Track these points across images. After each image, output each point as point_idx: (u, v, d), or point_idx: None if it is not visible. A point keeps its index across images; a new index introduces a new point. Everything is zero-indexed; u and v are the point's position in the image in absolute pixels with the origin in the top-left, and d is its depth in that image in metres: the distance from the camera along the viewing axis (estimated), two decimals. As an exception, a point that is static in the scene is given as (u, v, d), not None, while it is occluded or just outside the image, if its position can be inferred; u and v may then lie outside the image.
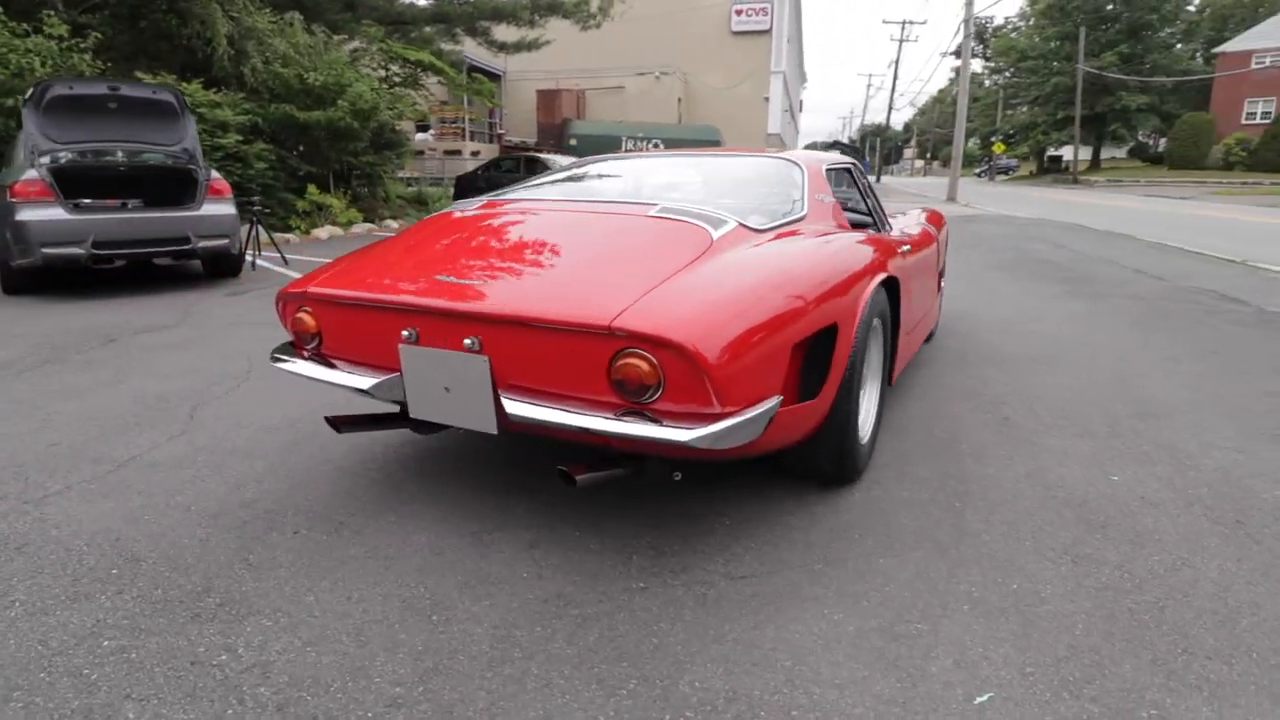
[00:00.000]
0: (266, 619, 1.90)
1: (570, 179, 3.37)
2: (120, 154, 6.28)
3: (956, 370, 4.37)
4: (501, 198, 2.96)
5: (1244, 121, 40.59)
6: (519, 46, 16.01)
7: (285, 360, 2.47)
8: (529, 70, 24.45)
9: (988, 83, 55.57)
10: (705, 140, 23.81)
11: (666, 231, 2.32)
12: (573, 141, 23.48)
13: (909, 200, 23.66)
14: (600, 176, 3.39)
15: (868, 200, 3.65)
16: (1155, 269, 8.76)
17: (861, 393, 2.64)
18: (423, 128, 22.77)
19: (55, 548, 2.23)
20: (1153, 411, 3.63)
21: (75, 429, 3.22)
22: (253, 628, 1.86)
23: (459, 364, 2.08)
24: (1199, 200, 23.33)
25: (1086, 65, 37.64)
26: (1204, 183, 33.01)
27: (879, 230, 3.48)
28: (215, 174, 6.73)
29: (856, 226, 3.11)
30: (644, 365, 1.85)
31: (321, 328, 2.39)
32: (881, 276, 2.61)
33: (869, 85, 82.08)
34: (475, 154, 22.93)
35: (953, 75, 75.56)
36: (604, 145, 22.52)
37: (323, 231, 11.21)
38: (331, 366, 2.40)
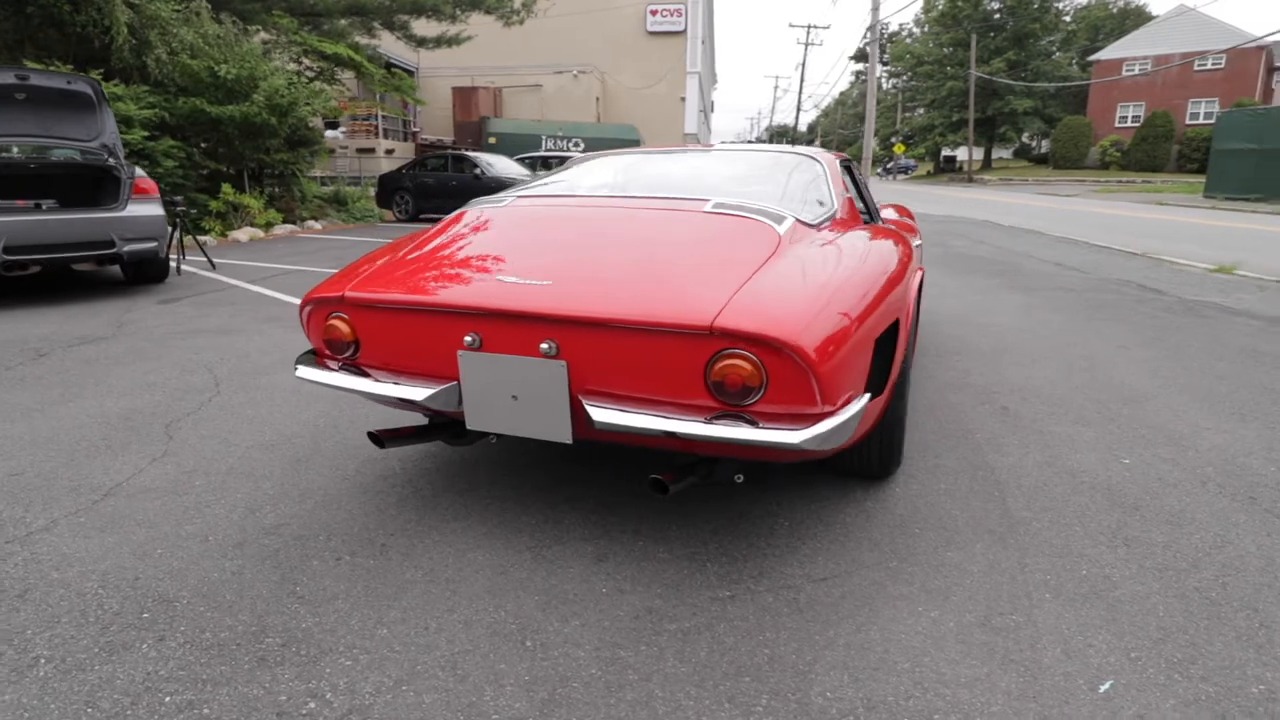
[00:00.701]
0: (344, 657, 1.72)
1: (588, 174, 3.24)
2: (30, 150, 5.66)
3: (935, 362, 4.49)
4: (530, 193, 2.81)
5: (1117, 124, 43.93)
6: (439, 42, 15.50)
7: (312, 371, 2.26)
8: (443, 67, 23.81)
9: (887, 86, 58.01)
10: (626, 139, 23.79)
11: (731, 228, 2.25)
12: (492, 140, 23.00)
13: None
14: (620, 172, 3.28)
15: (864, 194, 3.70)
16: (1071, 262, 9.32)
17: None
18: (331, 125, 21.80)
19: (64, 592, 1.96)
20: (1129, 397, 3.82)
21: (36, 454, 2.87)
22: (332, 669, 1.68)
23: (532, 370, 1.95)
24: (1084, 198, 25.04)
25: (978, 71, 39.86)
26: (1084, 181, 35.55)
27: (876, 222, 3.52)
28: (140, 172, 6.18)
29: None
30: (747, 366, 1.78)
31: (360, 335, 2.20)
32: (921, 271, 2.63)
33: (776, 87, 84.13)
34: (390, 152, 22.14)
35: (852, 78, 78.61)
36: (524, 143, 22.18)
37: (242, 234, 10.52)
38: (365, 377, 2.21)
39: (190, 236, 7.86)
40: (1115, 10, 55.02)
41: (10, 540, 2.22)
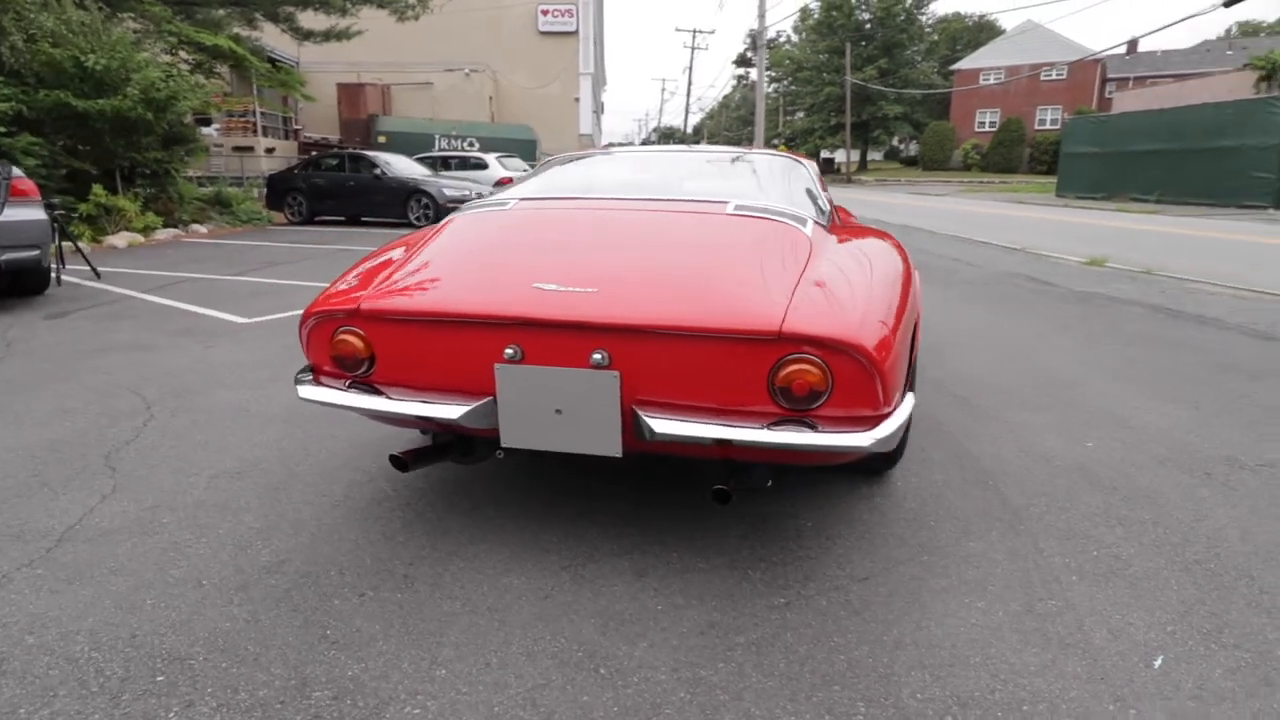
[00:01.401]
0: (409, 705, 1.57)
1: (576, 175, 3.12)
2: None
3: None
4: (529, 195, 2.67)
5: (977, 129, 47.41)
6: (328, 36, 14.70)
7: (317, 391, 2.06)
8: (326, 62, 22.59)
9: (768, 90, 60.00)
10: (522, 140, 23.45)
11: (760, 230, 2.23)
12: (382, 139, 22.05)
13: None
14: (611, 173, 3.18)
15: (826, 195, 3.78)
16: (966, 258, 9.93)
17: None
18: (203, 121, 20.30)
19: (50, 658, 1.69)
20: (1065, 383, 4.09)
21: (-48, 500, 2.48)
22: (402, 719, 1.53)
23: (582, 382, 1.86)
24: (953, 197, 26.81)
25: (852, 78, 41.94)
26: (950, 181, 38.10)
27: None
28: (17, 172, 5.47)
29: None
30: (815, 370, 1.76)
31: (376, 351, 2.02)
32: (916, 271, 2.71)
33: (663, 90, 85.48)
34: (270, 151, 20.84)
35: (734, 82, 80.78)
36: (415, 142, 21.38)
37: (119, 239, 9.57)
38: (379, 395, 2.04)
39: (71, 243, 7.07)
40: (970, 24, 59.34)
41: (-42, 603, 1.90)
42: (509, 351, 1.88)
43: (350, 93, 23.04)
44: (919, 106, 47.79)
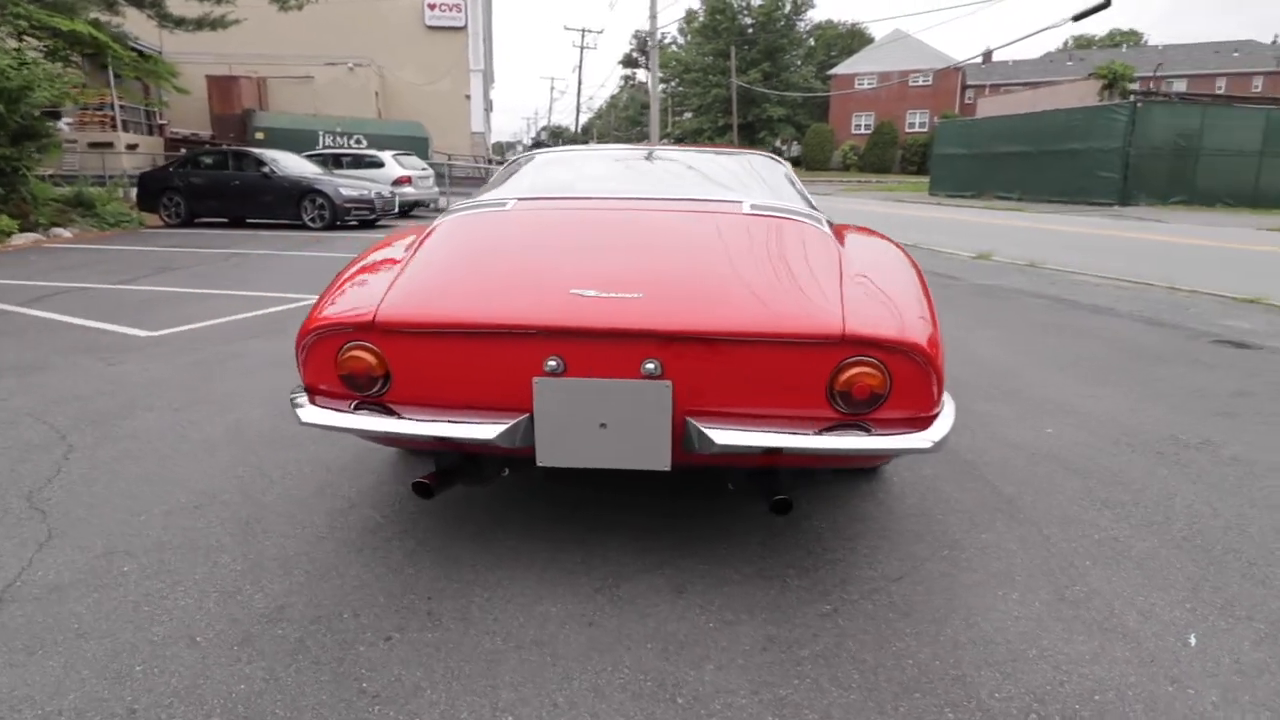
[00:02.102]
0: (486, 760, 1.42)
1: (564, 174, 2.96)
2: None
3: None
4: (526, 196, 2.49)
5: (854, 131, 49.81)
6: (200, 24, 13.57)
7: (325, 415, 1.84)
8: (193, 53, 20.91)
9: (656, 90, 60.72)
10: (412, 137, 22.56)
11: (783, 229, 2.18)
12: (259, 135, 20.61)
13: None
14: (599, 172, 3.03)
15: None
16: (871, 254, 10.35)
17: None
18: (52, 114, 18.38)
19: (35, 750, 1.42)
20: (1005, 372, 4.31)
21: None
22: (482, 777, 1.38)
23: (632, 394, 1.74)
24: (838, 196, 28.01)
25: (738, 80, 43.10)
26: (832, 181, 39.84)
27: None
28: None
29: None
30: (876, 373, 1.73)
31: (392, 367, 1.82)
32: None
33: (552, 88, 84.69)
34: (133, 147, 19.06)
35: (621, 83, 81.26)
36: (297, 139, 20.11)
37: (-35, 246, 8.47)
38: (393, 416, 1.85)
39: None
40: (843, 30, 62.25)
41: (-109, 690, 1.57)
42: (551, 364, 1.74)
43: (222, 86, 21.45)
44: (800, 109, 49.70)
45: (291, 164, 12.67)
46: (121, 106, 18.66)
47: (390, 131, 22.71)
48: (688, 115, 51.60)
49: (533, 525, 2.35)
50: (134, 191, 13.20)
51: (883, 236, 2.54)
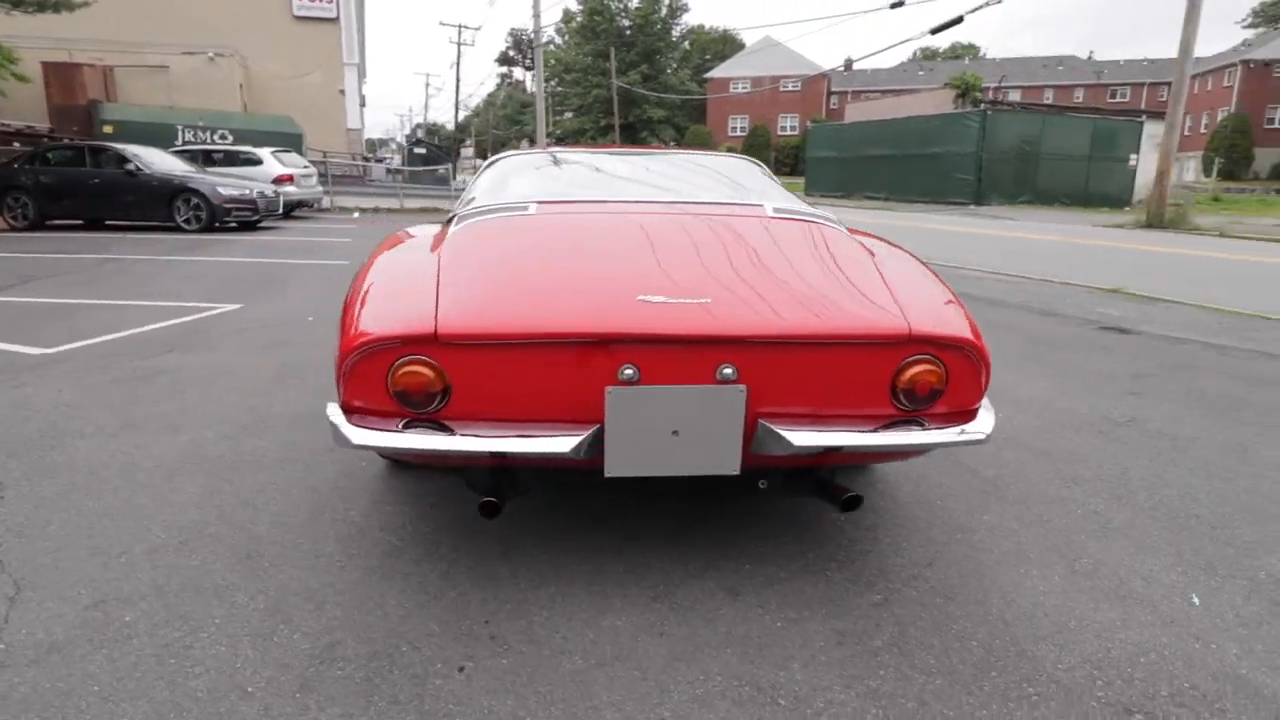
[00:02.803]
0: (619, 784, 1.37)
1: (564, 177, 2.87)
2: None
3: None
4: (546, 199, 2.39)
5: (730, 133, 51.41)
6: (42, 5, 12.16)
7: (378, 436, 1.71)
8: (24, 36, 18.72)
9: (534, 89, 60.19)
10: (283, 133, 21.19)
11: (811, 232, 2.22)
12: (107, 129, 18.68)
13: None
14: (599, 174, 2.94)
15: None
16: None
17: None
18: None
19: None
20: (939, 363, 4.59)
21: None
22: (623, 801, 1.33)
23: (707, 400, 1.74)
24: (726, 197, 28.83)
25: (618, 81, 43.43)
26: (715, 183, 40.96)
27: None
28: None
29: None
30: (937, 369, 1.81)
31: (453, 381, 1.71)
32: None
33: (428, 85, 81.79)
34: (-49, 141, 16.85)
35: (499, 80, 79.84)
36: (153, 134, 18.35)
37: None
38: (448, 434, 1.75)
39: None
40: (716, 36, 64.06)
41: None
42: (628, 372, 1.70)
43: (62, 74, 19.32)
44: (679, 111, 50.74)
45: (159, 161, 11.61)
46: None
47: (259, 127, 21.25)
48: (568, 115, 51.50)
49: (562, 538, 2.28)
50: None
51: (879, 238, 2.65)
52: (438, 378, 1.72)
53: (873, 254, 2.18)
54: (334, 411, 1.79)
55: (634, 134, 49.37)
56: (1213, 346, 5.16)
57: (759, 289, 1.88)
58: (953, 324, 1.83)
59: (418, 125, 63.21)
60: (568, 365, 1.72)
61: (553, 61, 51.52)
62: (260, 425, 3.19)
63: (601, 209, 2.35)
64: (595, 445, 1.75)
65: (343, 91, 26.48)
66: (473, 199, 2.62)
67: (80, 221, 11.50)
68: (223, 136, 20.23)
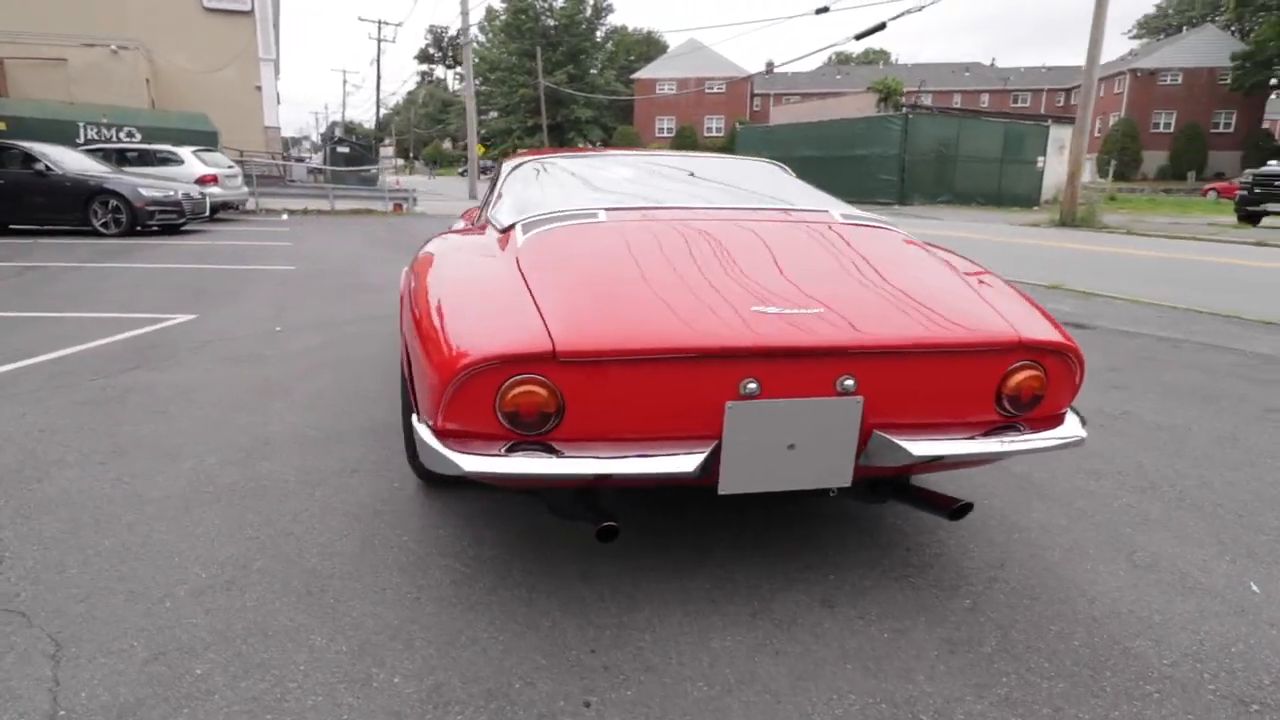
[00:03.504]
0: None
1: (603, 181, 2.76)
2: None
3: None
4: (611, 206, 2.28)
5: (657, 135, 51.70)
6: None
7: (488, 460, 1.59)
8: (-102, 21, 17.16)
9: (457, 86, 59.05)
10: (197, 131, 20.01)
11: (885, 239, 2.21)
12: (0, 125, 17.31)
13: (441, 200, 23.97)
14: (643, 179, 2.84)
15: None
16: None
17: None
18: None
19: None
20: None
21: None
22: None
23: (825, 412, 1.70)
24: (659, 197, 28.93)
25: (545, 81, 43.06)
26: (644, 183, 41.12)
27: None
28: None
29: None
30: (1039, 375, 1.82)
31: (568, 401, 1.61)
32: None
33: (345, 82, 78.66)
34: None
35: (419, 78, 77.98)
36: (50, 130, 16.91)
37: None
38: (555, 456, 1.65)
39: None
40: (639, 37, 64.35)
41: None
42: (751, 386, 1.65)
43: (-56, 65, 17.72)
44: (607, 111, 50.70)
45: (71, 160, 10.78)
46: None
47: (170, 124, 20.03)
48: (493, 114, 50.72)
49: (635, 558, 2.20)
50: None
51: (938, 245, 2.69)
52: (551, 397, 1.62)
53: (948, 261, 2.19)
54: (428, 436, 1.67)
55: (562, 134, 49.06)
56: (1165, 340, 5.46)
57: (864, 298, 1.86)
58: (1053, 330, 1.85)
59: (334, 123, 60.99)
60: (687, 380, 1.65)
61: (477, 60, 50.63)
62: (264, 448, 2.97)
63: (671, 216, 2.27)
64: (713, 461, 1.68)
65: (259, 88, 25.29)
66: (511, 205, 2.51)
67: (-18, 226, 10.58)
68: (129, 134, 18.94)
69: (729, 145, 40.73)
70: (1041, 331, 1.82)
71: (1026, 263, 10.04)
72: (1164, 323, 6.13)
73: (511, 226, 2.20)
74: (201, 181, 12.93)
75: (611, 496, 1.97)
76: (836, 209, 2.42)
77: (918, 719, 1.58)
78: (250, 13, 24.58)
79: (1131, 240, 14.64)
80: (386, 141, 73.54)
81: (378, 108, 43.31)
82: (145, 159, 13.60)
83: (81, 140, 17.54)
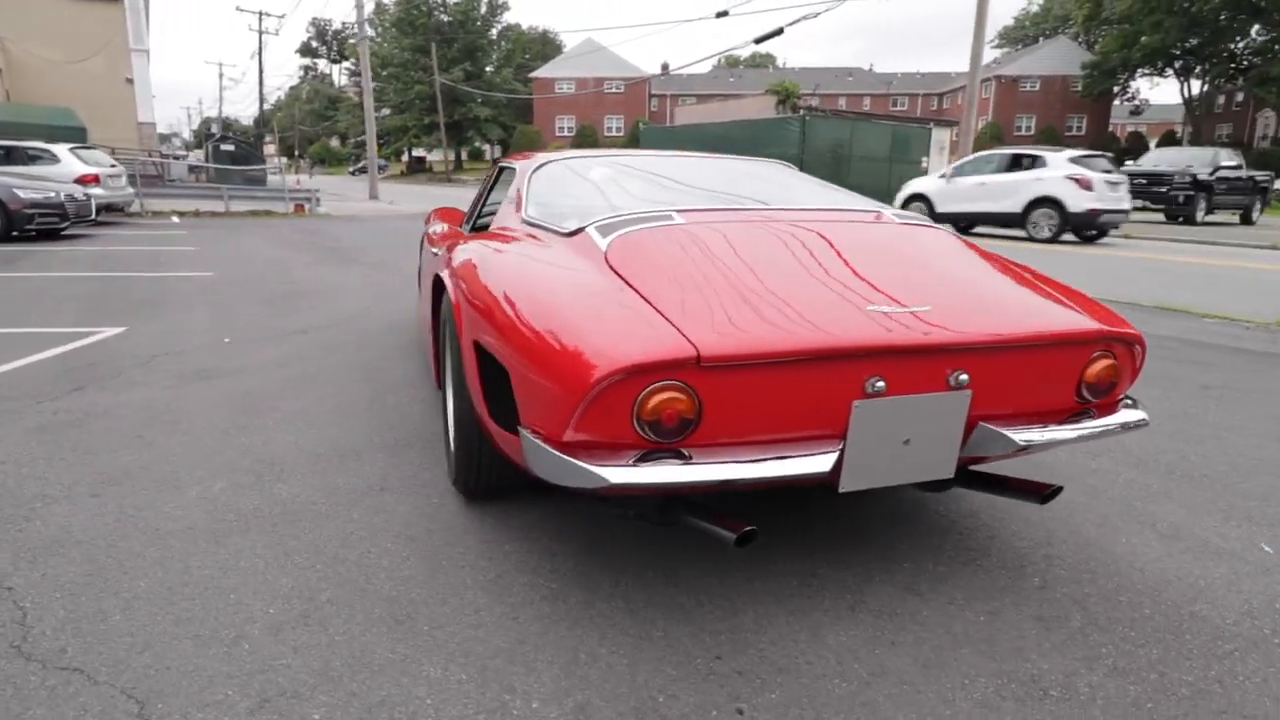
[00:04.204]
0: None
1: (647, 181, 2.71)
2: None
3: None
4: (684, 208, 2.22)
5: (557, 134, 51.41)
6: None
7: (629, 471, 1.54)
8: None
9: (344, 81, 56.61)
10: (62, 126, 18.26)
11: (940, 238, 2.28)
12: None
13: (341, 201, 22.92)
14: (688, 180, 2.79)
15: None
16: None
17: None
18: None
19: None
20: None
21: None
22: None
23: (938, 406, 1.75)
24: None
25: (441, 78, 41.91)
26: (547, 183, 40.73)
27: None
28: None
29: None
30: (1114, 363, 1.93)
31: (706, 406, 1.58)
32: None
33: (222, 75, 73.65)
34: None
35: (302, 73, 74.22)
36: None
37: None
38: (687, 464, 1.62)
39: None
40: (534, 36, 63.72)
41: None
42: (878, 384, 1.67)
43: None
44: (506, 110, 49.91)
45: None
46: None
47: (30, 119, 18.23)
48: (386, 112, 48.91)
49: (712, 560, 2.19)
50: None
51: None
52: (692, 403, 1.58)
53: (995, 257, 2.30)
54: (551, 449, 1.60)
55: (460, 132, 47.96)
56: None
57: (960, 295, 1.92)
58: (1122, 321, 1.97)
59: (210, 119, 57.07)
60: (817, 381, 1.65)
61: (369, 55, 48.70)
62: (273, 469, 2.76)
63: (743, 217, 2.26)
64: (838, 459, 1.70)
65: (131, 80, 23.42)
66: (561, 208, 2.44)
67: None
68: (-18, 130, 17.10)
69: (631, 145, 40.97)
70: (1115, 323, 1.94)
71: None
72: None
73: (579, 230, 2.14)
74: (82, 181, 11.84)
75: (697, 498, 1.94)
76: (885, 209, 2.50)
77: (1048, 694, 1.65)
78: (119, 0, 22.73)
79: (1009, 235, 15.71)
80: (268, 139, 69.70)
81: (260, 103, 40.87)
82: (13, 157, 12.30)
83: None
